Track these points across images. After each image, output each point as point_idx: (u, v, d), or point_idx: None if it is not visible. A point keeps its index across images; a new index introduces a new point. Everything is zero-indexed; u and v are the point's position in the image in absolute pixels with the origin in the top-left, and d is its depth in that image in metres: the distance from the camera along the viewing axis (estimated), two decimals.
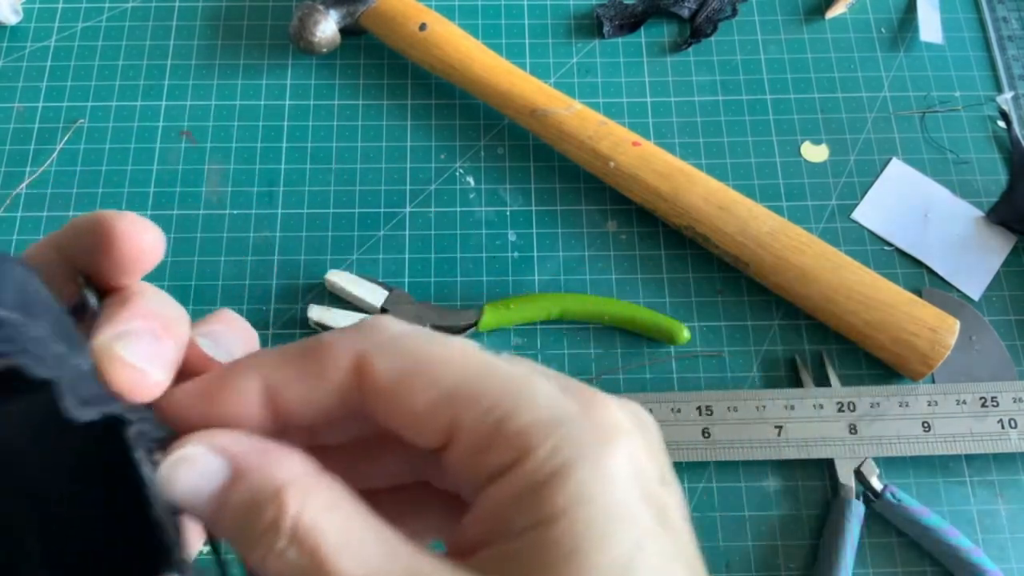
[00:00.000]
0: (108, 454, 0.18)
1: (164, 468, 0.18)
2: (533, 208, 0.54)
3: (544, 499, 0.18)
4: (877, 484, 0.46)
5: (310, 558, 0.17)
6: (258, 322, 0.50)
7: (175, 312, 0.21)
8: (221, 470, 0.18)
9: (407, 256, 0.52)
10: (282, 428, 0.20)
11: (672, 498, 0.20)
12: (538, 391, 0.19)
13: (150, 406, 0.19)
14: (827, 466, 0.47)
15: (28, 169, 0.54)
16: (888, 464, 0.47)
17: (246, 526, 0.18)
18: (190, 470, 0.18)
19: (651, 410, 0.47)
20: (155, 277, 0.51)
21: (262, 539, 0.18)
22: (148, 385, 0.19)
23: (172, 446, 0.18)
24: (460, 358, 0.19)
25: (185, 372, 0.20)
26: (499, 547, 0.18)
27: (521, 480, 0.18)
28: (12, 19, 0.58)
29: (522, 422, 0.18)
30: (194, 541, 0.20)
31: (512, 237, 0.53)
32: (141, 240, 0.20)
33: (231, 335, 0.22)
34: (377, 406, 0.19)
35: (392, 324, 0.20)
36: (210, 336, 0.22)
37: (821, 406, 0.47)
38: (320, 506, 0.18)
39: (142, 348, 0.19)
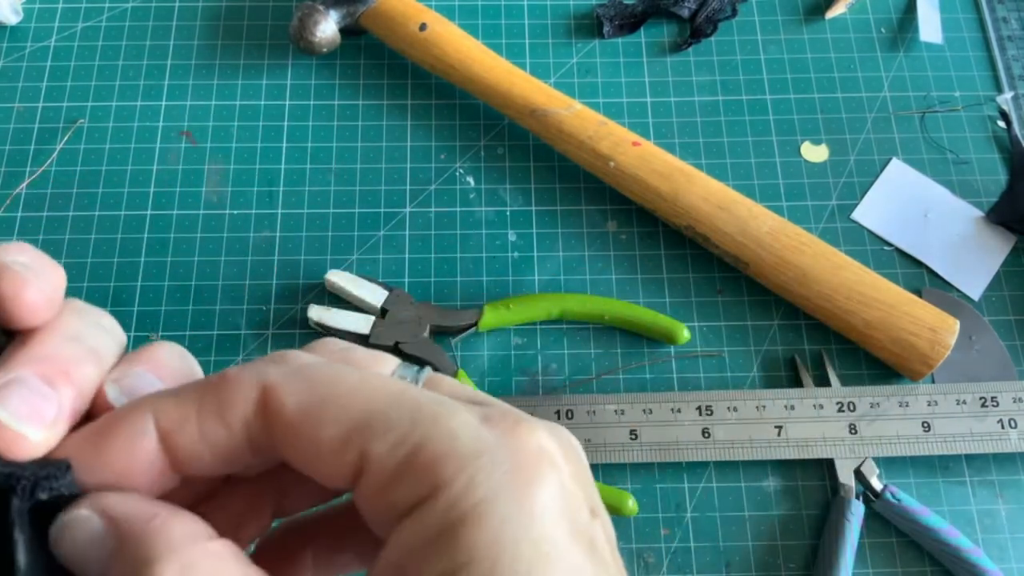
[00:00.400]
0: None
1: (53, 531, 0.17)
2: (533, 208, 0.54)
3: (459, 541, 0.16)
4: (877, 484, 0.46)
5: None
6: (258, 322, 0.50)
7: (84, 350, 0.19)
8: (108, 535, 0.17)
9: (407, 256, 0.52)
10: (185, 473, 0.19)
11: (602, 530, 0.18)
12: (455, 420, 0.17)
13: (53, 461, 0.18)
14: (827, 466, 0.47)
15: (28, 169, 0.54)
16: (888, 464, 0.47)
17: None
18: (77, 534, 0.17)
19: (651, 410, 0.47)
20: (156, 277, 0.51)
21: None
22: (25, 447, 0.17)
23: (67, 507, 0.17)
24: (370, 387, 0.18)
25: (94, 416, 0.19)
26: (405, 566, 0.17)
27: (434, 519, 0.17)
28: (12, 19, 0.58)
29: (434, 453, 0.17)
30: None
31: (512, 237, 0.53)
32: (22, 300, 0.18)
33: (150, 377, 0.20)
34: (285, 441, 0.18)
35: (299, 355, 0.19)
36: (125, 379, 0.20)
37: (821, 406, 0.47)
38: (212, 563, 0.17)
39: (22, 403, 0.18)
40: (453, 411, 0.18)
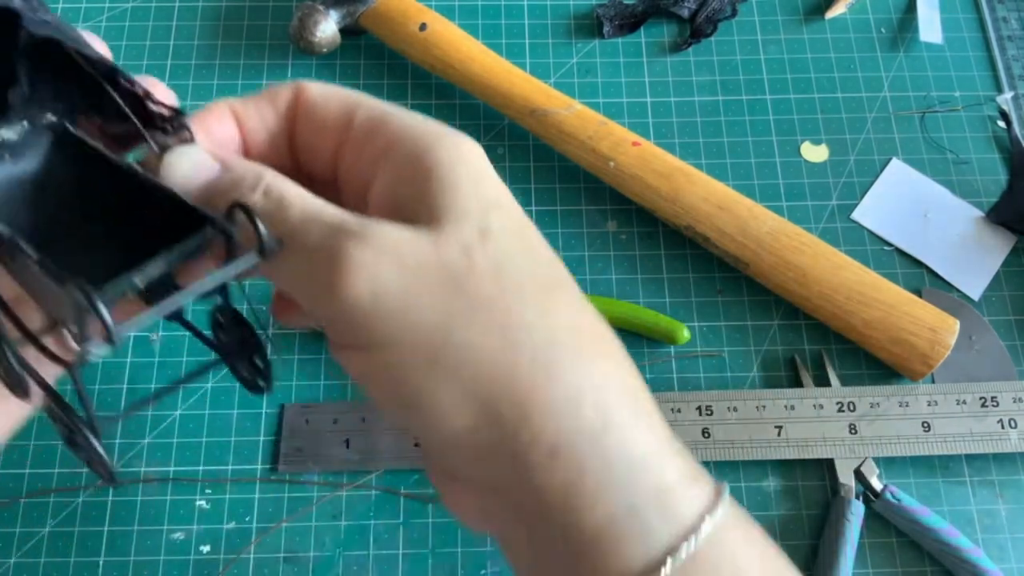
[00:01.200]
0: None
1: (169, 156, 0.25)
2: (533, 208, 0.54)
3: (423, 162, 0.24)
4: (877, 484, 0.46)
5: (276, 202, 0.24)
6: (258, 322, 0.50)
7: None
8: (212, 165, 0.25)
9: None
10: (247, 150, 0.28)
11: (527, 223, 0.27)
12: (408, 112, 0.26)
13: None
14: (827, 466, 0.47)
15: None
16: (888, 464, 0.47)
17: (230, 195, 0.24)
18: (187, 160, 0.25)
19: None
20: None
21: (235, 195, 0.24)
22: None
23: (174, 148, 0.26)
24: (359, 94, 0.27)
25: None
26: (395, 208, 0.25)
27: (402, 155, 0.25)
28: None
29: (397, 121, 0.26)
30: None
31: None
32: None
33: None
34: (306, 117, 0.27)
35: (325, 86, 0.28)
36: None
37: (821, 406, 0.47)
38: (283, 180, 0.25)
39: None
40: (410, 114, 0.27)
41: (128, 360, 0.49)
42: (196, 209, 0.23)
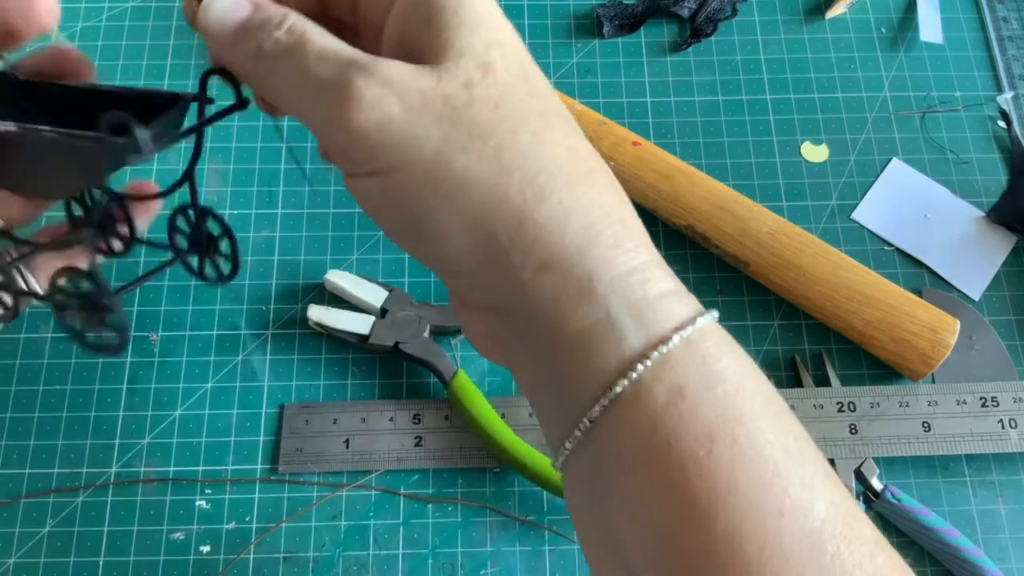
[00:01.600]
0: None
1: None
2: None
3: (429, 3, 0.26)
4: (877, 484, 0.46)
5: (297, 38, 0.26)
6: (258, 322, 0.50)
7: None
8: (244, 5, 0.27)
9: (407, 256, 0.52)
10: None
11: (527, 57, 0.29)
12: None
13: None
14: None
15: None
16: (888, 464, 0.47)
17: (258, 34, 0.27)
18: (224, 2, 0.27)
19: None
20: (156, 277, 0.51)
21: (267, 35, 0.26)
22: None
23: None
24: None
25: None
26: (403, 47, 0.27)
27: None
28: None
29: None
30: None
31: None
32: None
33: None
34: None
35: None
36: None
37: (821, 406, 0.47)
38: (306, 21, 0.27)
39: None
40: None
41: (128, 360, 0.49)
42: (164, 93, 0.29)
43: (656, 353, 0.24)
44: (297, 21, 0.27)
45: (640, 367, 0.24)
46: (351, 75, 0.25)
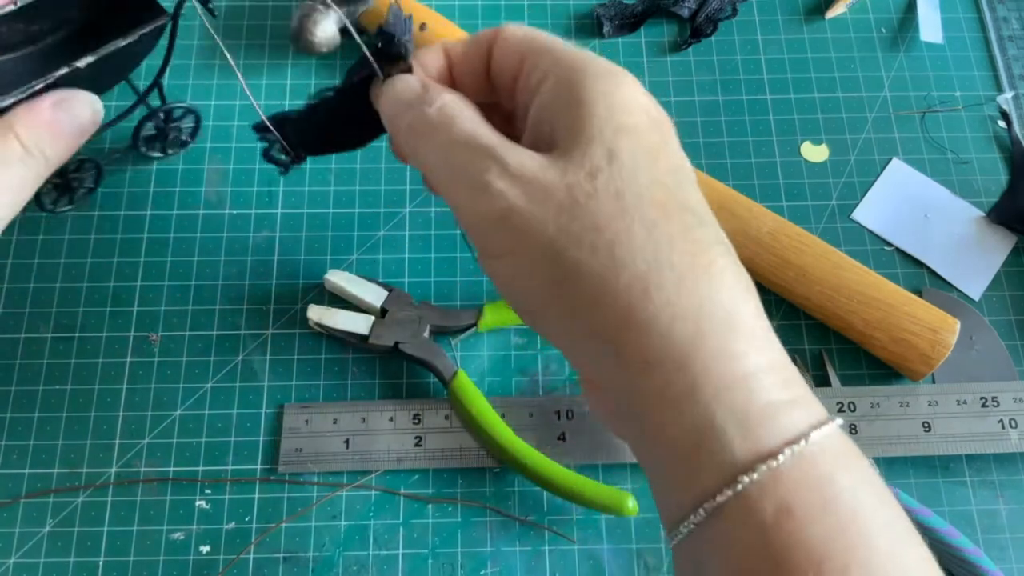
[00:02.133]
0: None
1: (391, 80, 0.32)
2: None
3: (572, 92, 0.27)
4: None
5: (447, 118, 0.28)
6: (258, 322, 0.50)
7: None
8: (415, 84, 0.31)
9: (407, 256, 0.52)
10: (457, 85, 0.32)
11: (671, 132, 0.29)
12: (572, 45, 0.30)
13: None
14: None
15: None
16: (888, 464, 0.47)
17: (414, 109, 0.30)
18: (401, 82, 0.31)
19: None
20: (155, 276, 0.51)
21: (420, 111, 0.29)
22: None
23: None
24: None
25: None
26: (541, 133, 0.28)
27: (554, 83, 0.28)
28: None
29: (558, 51, 0.29)
30: None
31: None
32: None
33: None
34: (499, 53, 0.31)
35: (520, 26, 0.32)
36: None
37: None
38: (462, 104, 0.29)
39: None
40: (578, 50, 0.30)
41: (128, 360, 0.49)
42: None
43: (763, 467, 0.23)
44: (451, 102, 0.29)
45: (745, 479, 0.23)
46: (484, 164, 0.27)
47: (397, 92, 0.31)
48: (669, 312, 0.25)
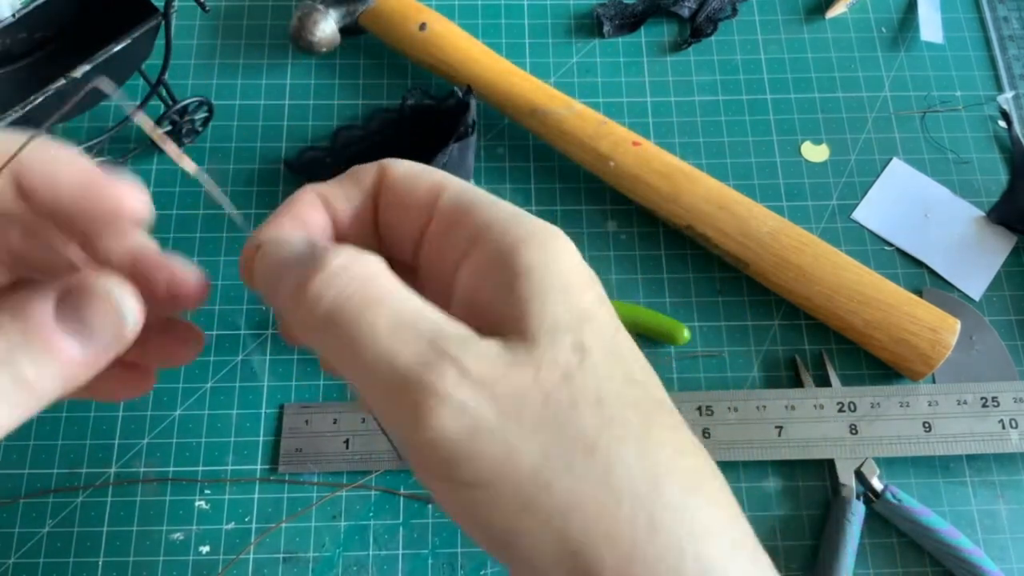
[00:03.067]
0: None
1: (259, 253, 0.25)
2: (533, 208, 0.54)
3: (512, 263, 0.22)
4: (878, 484, 0.46)
5: (363, 291, 0.21)
6: (257, 322, 0.50)
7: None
8: (302, 244, 0.24)
9: None
10: (338, 230, 0.26)
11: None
12: (496, 200, 0.24)
13: None
14: (827, 466, 0.47)
15: None
16: (889, 464, 0.47)
17: (303, 280, 0.22)
18: (276, 249, 0.24)
19: None
20: None
21: (314, 280, 0.22)
22: None
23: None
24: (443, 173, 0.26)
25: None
26: (480, 308, 0.23)
27: (489, 249, 0.23)
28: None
29: (485, 211, 0.24)
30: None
31: None
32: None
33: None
34: (390, 199, 0.25)
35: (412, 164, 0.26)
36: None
37: (821, 406, 0.47)
38: (382, 278, 0.22)
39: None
40: (495, 200, 0.25)
41: None
42: None
43: None
44: (362, 267, 0.22)
45: None
46: (432, 363, 0.20)
47: (271, 260, 0.24)
48: (678, 546, 0.21)
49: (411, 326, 0.21)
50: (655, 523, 0.21)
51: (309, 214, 0.26)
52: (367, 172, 0.26)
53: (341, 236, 0.26)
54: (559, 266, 0.23)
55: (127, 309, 0.22)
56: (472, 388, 0.20)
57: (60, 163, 0.23)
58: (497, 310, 0.22)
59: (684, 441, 0.23)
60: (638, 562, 0.21)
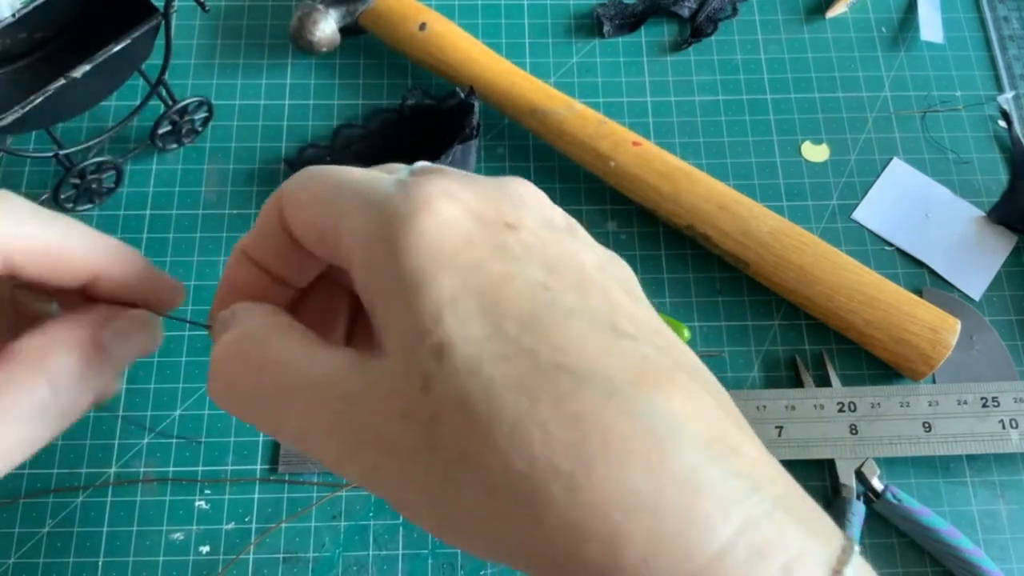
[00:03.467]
0: None
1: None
2: None
3: (354, 270, 0.21)
4: (878, 484, 0.46)
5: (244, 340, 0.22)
6: None
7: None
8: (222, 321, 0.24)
9: None
10: (272, 273, 0.25)
11: (521, 234, 0.20)
12: (349, 184, 0.22)
13: None
14: (828, 466, 0.47)
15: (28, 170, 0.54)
16: (889, 464, 0.47)
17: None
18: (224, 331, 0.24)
19: None
20: None
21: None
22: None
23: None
24: (342, 179, 0.23)
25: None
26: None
27: (357, 245, 0.21)
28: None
29: (349, 223, 0.21)
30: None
31: None
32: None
33: None
34: (293, 222, 0.23)
35: (302, 173, 0.24)
36: None
37: (822, 406, 0.47)
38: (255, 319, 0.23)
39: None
40: (375, 179, 0.21)
41: None
42: None
43: None
44: (236, 344, 0.22)
45: None
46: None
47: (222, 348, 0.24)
48: (600, 521, 0.17)
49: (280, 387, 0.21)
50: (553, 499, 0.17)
51: (239, 278, 0.25)
52: (270, 207, 0.24)
53: (280, 276, 0.25)
54: (425, 238, 0.19)
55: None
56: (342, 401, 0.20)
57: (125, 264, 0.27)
58: (376, 325, 0.20)
59: (595, 408, 0.18)
60: (560, 555, 0.18)
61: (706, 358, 0.50)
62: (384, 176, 0.22)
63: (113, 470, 0.47)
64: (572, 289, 0.20)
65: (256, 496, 0.46)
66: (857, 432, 0.47)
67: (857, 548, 0.19)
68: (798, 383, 0.49)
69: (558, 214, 0.23)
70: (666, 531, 0.17)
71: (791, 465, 0.47)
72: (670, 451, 0.17)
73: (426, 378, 0.18)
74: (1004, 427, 0.47)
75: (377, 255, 0.20)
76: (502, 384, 0.18)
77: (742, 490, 0.18)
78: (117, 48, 0.44)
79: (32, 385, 0.23)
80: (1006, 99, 0.57)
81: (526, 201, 0.22)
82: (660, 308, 0.51)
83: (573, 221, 0.23)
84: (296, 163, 0.54)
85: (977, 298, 0.52)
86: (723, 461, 0.18)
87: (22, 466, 0.46)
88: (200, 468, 0.47)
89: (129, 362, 0.26)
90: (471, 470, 0.18)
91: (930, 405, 0.47)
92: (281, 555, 0.45)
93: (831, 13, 0.61)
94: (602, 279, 0.21)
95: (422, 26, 0.55)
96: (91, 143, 0.51)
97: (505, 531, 0.18)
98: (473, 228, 0.20)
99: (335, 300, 0.27)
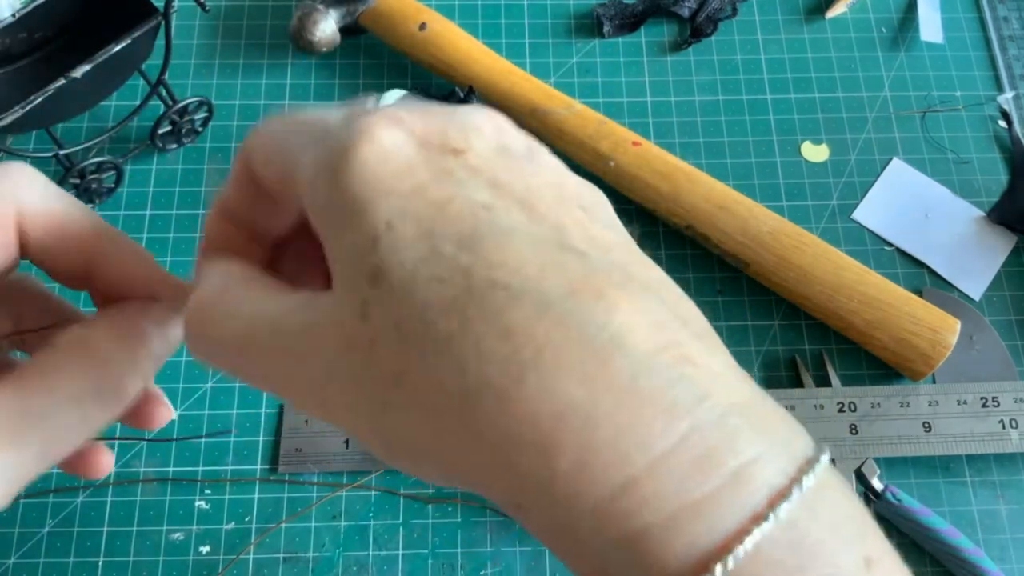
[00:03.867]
0: None
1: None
2: None
3: (307, 208, 0.21)
4: (878, 484, 0.46)
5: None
6: None
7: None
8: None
9: None
10: (252, 236, 0.25)
11: (468, 157, 0.20)
12: (301, 125, 0.22)
13: None
14: None
15: None
16: (889, 464, 0.47)
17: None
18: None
19: None
20: None
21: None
22: None
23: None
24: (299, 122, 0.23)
25: None
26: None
27: (307, 179, 0.21)
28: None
29: (302, 161, 0.21)
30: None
31: None
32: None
33: None
34: (256, 166, 0.23)
35: (265, 120, 0.23)
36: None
37: (822, 406, 0.47)
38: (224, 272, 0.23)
39: None
40: (326, 117, 0.21)
41: None
42: None
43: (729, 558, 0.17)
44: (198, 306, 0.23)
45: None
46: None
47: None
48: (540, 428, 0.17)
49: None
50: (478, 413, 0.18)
51: (216, 234, 0.25)
52: (238, 163, 0.24)
53: (256, 228, 0.25)
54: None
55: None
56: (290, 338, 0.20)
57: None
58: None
59: (530, 327, 0.18)
60: (501, 472, 0.18)
61: None
62: (335, 112, 0.21)
63: (113, 470, 0.47)
64: (517, 208, 0.19)
65: (256, 496, 0.46)
66: (857, 432, 0.47)
67: (826, 459, 0.19)
68: (798, 383, 0.49)
69: (518, 141, 0.23)
70: (600, 438, 0.17)
71: None
72: (608, 360, 0.17)
73: (364, 305, 0.18)
74: (1004, 427, 0.47)
75: (321, 188, 0.20)
76: (436, 305, 0.18)
77: (689, 398, 0.18)
78: (117, 48, 0.44)
79: (81, 370, 0.24)
80: (1006, 99, 0.57)
81: (479, 127, 0.22)
82: None
83: (538, 146, 0.23)
84: None
85: (977, 298, 0.52)
86: (670, 369, 0.18)
87: None
88: (200, 468, 0.47)
89: (168, 352, 0.28)
90: (408, 392, 0.18)
91: (930, 405, 0.47)
92: (281, 555, 0.45)
93: (831, 13, 0.61)
94: (558, 199, 0.20)
95: (422, 26, 0.55)
96: (91, 143, 0.51)
97: (448, 450, 0.18)
98: (414, 154, 0.19)
99: (314, 250, 0.26)
